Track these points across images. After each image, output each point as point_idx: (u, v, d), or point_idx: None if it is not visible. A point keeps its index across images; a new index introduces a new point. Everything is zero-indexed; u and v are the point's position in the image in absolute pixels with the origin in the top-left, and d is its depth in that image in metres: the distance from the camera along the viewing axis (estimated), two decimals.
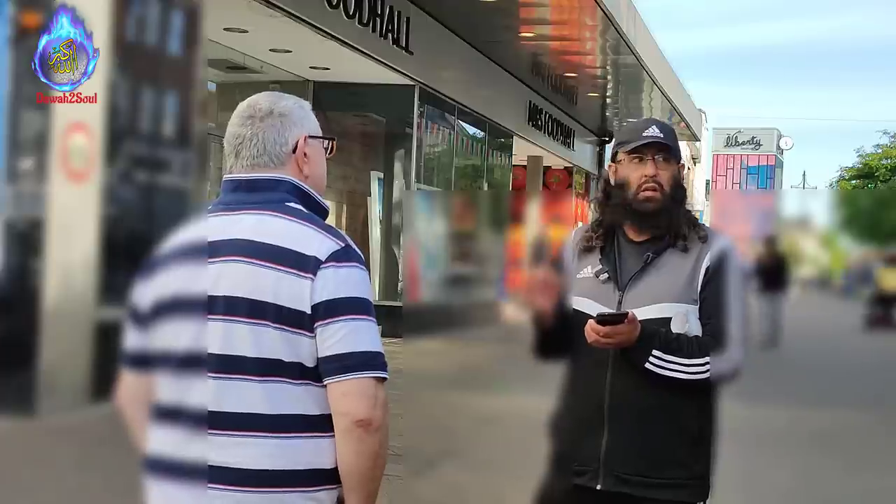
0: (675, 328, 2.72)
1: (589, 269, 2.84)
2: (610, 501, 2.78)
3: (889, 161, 53.16)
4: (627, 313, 2.65)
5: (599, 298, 2.79)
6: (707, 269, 2.75)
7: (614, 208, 2.86)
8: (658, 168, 2.79)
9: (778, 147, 72.28)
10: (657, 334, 2.69)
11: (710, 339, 2.72)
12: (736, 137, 72.09)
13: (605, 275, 2.81)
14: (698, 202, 64.19)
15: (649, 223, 2.81)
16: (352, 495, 2.14)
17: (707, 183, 69.28)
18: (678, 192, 2.82)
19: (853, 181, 54.70)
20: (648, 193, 2.79)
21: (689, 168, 61.36)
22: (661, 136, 2.79)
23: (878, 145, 54.64)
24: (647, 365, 2.69)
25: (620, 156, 2.85)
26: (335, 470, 2.13)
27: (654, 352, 2.68)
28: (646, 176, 2.79)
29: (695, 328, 2.74)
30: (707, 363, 2.70)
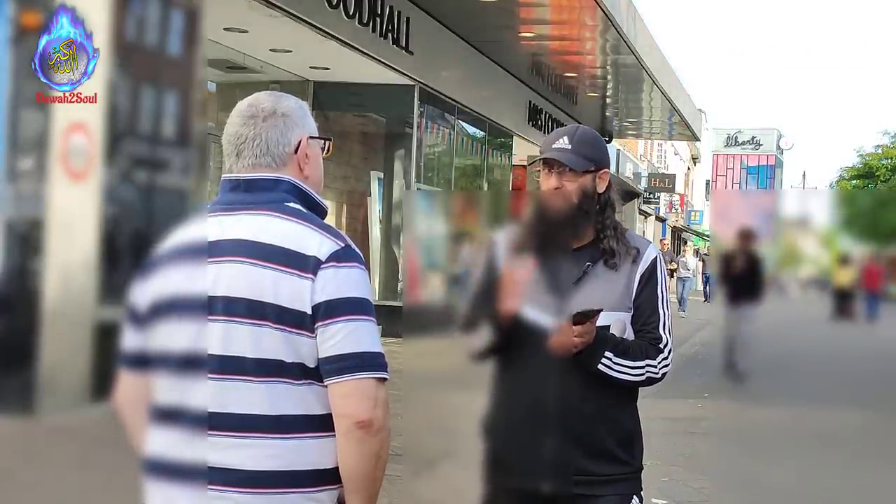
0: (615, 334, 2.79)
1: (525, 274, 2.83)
2: (553, 502, 2.82)
3: (889, 161, 53.18)
4: (601, 309, 2.68)
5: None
6: (641, 278, 2.82)
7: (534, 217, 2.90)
8: (563, 179, 2.81)
9: (778, 147, 72.31)
10: (608, 337, 2.75)
11: (649, 344, 2.81)
12: (736, 137, 72.13)
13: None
14: (698, 202, 64.34)
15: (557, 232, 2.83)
16: (353, 497, 2.13)
17: (707, 183, 69.31)
18: (586, 202, 2.82)
19: (853, 181, 54.71)
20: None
21: (689, 167, 61.51)
22: (568, 147, 2.81)
23: (878, 145, 54.71)
24: (600, 366, 2.74)
25: (538, 164, 2.89)
26: (337, 469, 2.12)
27: (607, 353, 2.73)
28: (550, 187, 2.82)
29: (631, 334, 2.82)
30: (647, 366, 2.80)
